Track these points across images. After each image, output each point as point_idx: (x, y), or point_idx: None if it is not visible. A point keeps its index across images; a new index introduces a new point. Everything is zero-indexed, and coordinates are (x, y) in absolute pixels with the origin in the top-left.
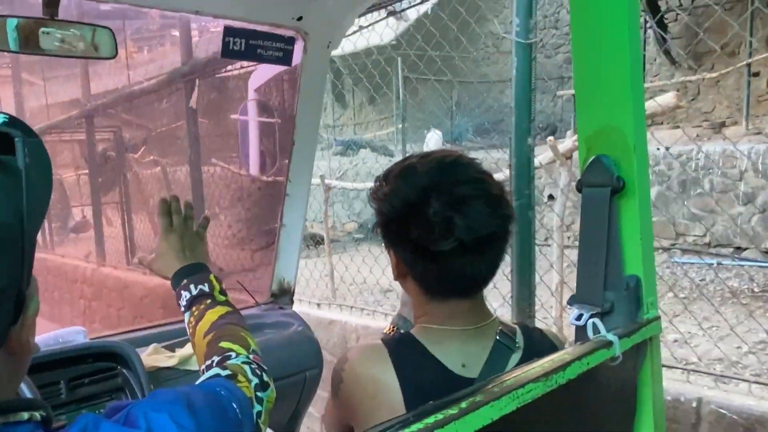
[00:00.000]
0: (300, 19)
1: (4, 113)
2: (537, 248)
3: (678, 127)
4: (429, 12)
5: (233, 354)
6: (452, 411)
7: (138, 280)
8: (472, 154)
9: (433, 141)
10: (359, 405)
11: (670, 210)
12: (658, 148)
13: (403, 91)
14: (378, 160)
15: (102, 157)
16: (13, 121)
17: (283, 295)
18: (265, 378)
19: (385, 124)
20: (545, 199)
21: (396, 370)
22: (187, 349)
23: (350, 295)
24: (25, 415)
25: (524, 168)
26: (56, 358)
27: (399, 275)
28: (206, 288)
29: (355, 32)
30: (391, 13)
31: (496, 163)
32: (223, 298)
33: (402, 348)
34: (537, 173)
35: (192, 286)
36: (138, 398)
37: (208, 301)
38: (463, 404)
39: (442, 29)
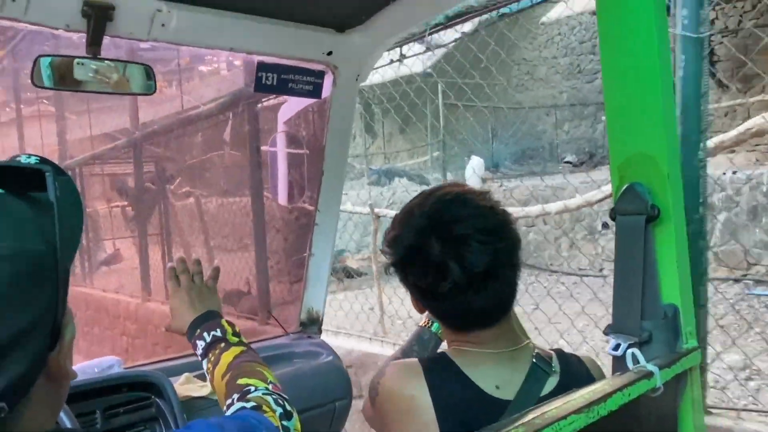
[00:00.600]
0: (330, 53)
1: (35, 155)
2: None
3: (734, 151)
4: (459, 42)
5: (252, 388)
6: None
7: (165, 311)
8: (512, 183)
9: (474, 169)
10: (392, 419)
11: (740, 238)
12: (724, 173)
13: (441, 119)
14: (411, 189)
15: (141, 189)
16: (44, 161)
17: (312, 324)
18: (288, 407)
19: (416, 153)
20: (599, 228)
21: (429, 389)
22: None
23: (393, 328)
24: None
25: (694, 189)
26: (92, 387)
27: (418, 310)
28: (219, 333)
29: (385, 65)
30: (427, 49)
31: (531, 191)
32: (236, 339)
33: (436, 367)
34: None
35: (205, 334)
36: (171, 428)
37: (222, 344)
38: None
39: (474, 59)
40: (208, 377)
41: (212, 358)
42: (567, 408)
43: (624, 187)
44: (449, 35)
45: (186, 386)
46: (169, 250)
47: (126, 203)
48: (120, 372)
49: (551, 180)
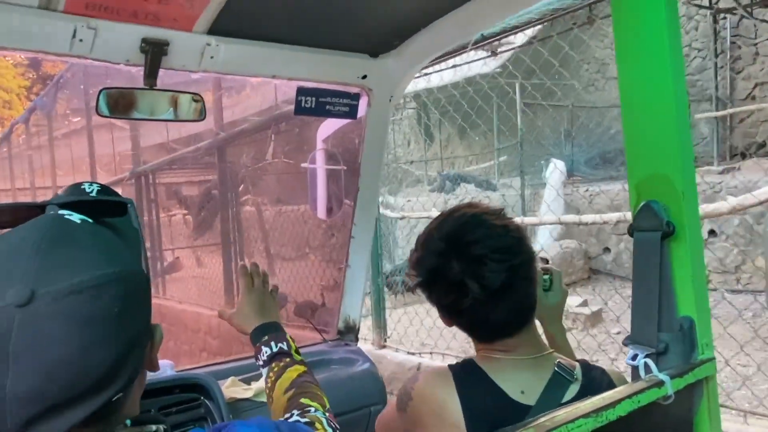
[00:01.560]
0: (365, 77)
1: (96, 182)
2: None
3: None
4: (527, 44)
5: (312, 409)
6: None
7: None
8: (591, 188)
9: (555, 173)
10: (426, 422)
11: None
12: None
13: (518, 119)
14: (481, 196)
15: (196, 200)
16: (105, 189)
17: (349, 332)
18: None
19: (477, 158)
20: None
21: (459, 393)
22: (262, 382)
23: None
24: (153, 427)
25: None
26: (148, 388)
27: (446, 323)
28: (285, 347)
29: (447, 68)
30: (492, 53)
31: (612, 200)
32: (299, 357)
33: (465, 373)
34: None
35: (273, 343)
36: None
37: (288, 359)
38: None
39: (541, 60)
40: (266, 384)
41: (276, 369)
42: (576, 412)
43: (641, 205)
44: (518, 37)
45: (232, 388)
46: (228, 258)
47: (184, 212)
48: (172, 374)
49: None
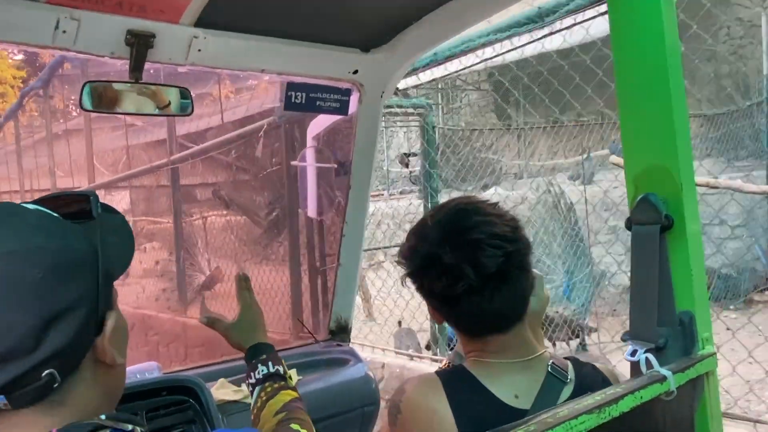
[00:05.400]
0: (356, 72)
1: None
2: None
3: None
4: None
5: None
6: None
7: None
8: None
9: None
10: None
11: None
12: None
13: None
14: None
15: (180, 203)
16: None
17: (341, 332)
18: None
19: (562, 150)
20: None
21: (449, 401)
22: None
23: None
24: (129, 427)
25: None
26: (135, 390)
27: (437, 320)
28: (281, 370)
29: (532, 41)
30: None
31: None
32: (292, 382)
33: (454, 380)
34: None
35: (270, 364)
36: (208, 429)
37: (282, 382)
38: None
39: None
40: (254, 404)
41: (269, 390)
42: (579, 408)
43: (639, 198)
44: None
45: (221, 390)
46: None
47: (165, 219)
48: (160, 376)
49: None
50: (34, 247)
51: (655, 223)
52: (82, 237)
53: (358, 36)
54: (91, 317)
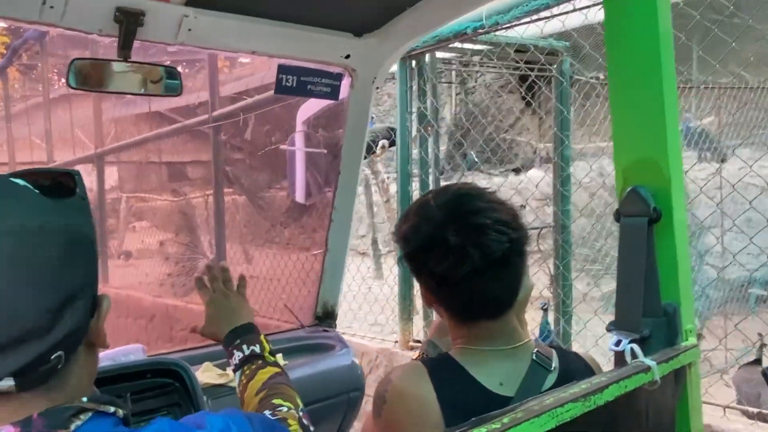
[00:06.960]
0: (348, 57)
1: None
2: None
3: None
4: None
5: (285, 408)
6: (495, 426)
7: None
8: None
9: None
10: (403, 423)
11: None
12: None
13: None
14: None
15: (163, 186)
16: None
17: (327, 317)
18: (311, 430)
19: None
20: None
21: (435, 389)
22: None
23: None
24: (111, 409)
25: None
26: (120, 372)
27: (428, 302)
28: (257, 349)
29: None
30: None
31: None
32: (272, 358)
33: (440, 368)
34: None
35: (244, 347)
36: (193, 412)
37: (260, 361)
38: (506, 419)
39: None
40: (237, 388)
41: (247, 372)
42: (564, 397)
43: (628, 190)
44: None
45: (206, 374)
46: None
47: (142, 199)
48: (145, 359)
49: None
50: (48, 223)
51: (643, 216)
52: (81, 215)
53: (351, 20)
54: (89, 303)
